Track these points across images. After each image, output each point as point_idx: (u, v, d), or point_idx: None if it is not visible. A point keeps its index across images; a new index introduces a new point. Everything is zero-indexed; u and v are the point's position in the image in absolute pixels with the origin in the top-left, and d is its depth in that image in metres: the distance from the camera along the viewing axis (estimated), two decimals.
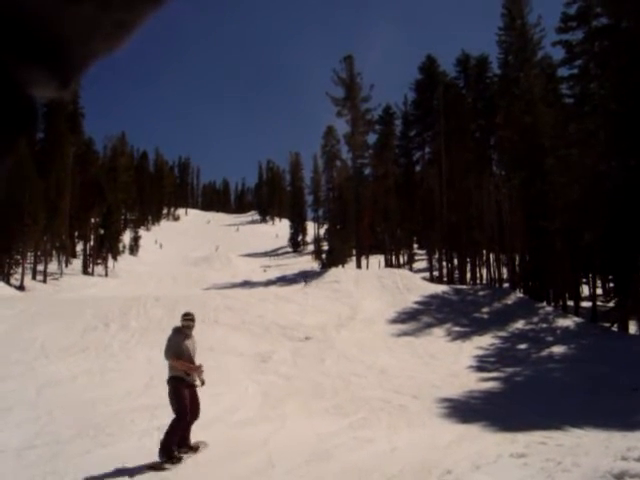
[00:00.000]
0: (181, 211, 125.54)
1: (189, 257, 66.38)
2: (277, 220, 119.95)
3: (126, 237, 65.19)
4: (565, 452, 8.44)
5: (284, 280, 37.95)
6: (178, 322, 9.21)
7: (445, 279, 45.79)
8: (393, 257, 59.23)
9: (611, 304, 30.58)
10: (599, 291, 34.94)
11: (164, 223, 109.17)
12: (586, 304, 34.03)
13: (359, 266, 46.00)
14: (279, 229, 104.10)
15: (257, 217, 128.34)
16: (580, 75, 34.07)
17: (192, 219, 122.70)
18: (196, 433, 9.58)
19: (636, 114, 26.68)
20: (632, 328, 28.50)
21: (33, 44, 0.49)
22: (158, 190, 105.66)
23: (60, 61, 0.52)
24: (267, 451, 9.35)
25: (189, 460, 8.59)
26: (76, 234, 58.12)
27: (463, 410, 13.41)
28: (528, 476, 7.37)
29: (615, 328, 28.30)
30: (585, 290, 37.84)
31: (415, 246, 65.55)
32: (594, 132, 29.46)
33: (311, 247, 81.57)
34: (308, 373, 16.99)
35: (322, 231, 71.42)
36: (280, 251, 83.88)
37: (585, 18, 32.95)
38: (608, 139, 28.81)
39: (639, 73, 26.82)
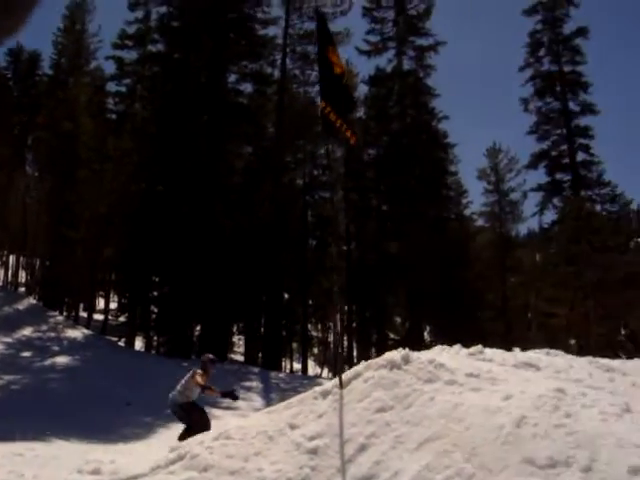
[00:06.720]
0: None
1: None
2: None
3: None
4: (33, 463, 8.36)
5: None
6: None
7: None
8: None
9: (122, 319, 31.66)
10: (114, 305, 35.79)
11: None
12: (100, 317, 34.50)
13: None
14: None
15: None
16: (127, 93, 35.07)
17: None
18: None
19: (170, 141, 28.33)
20: (138, 344, 29.97)
21: None
22: None
23: None
24: None
25: None
26: None
27: None
28: None
29: (122, 343, 29.34)
30: (102, 303, 38.44)
31: None
32: (130, 152, 30.38)
33: None
34: None
35: None
36: None
37: (142, 40, 34.12)
38: (142, 161, 29.98)
39: (181, 102, 28.68)
